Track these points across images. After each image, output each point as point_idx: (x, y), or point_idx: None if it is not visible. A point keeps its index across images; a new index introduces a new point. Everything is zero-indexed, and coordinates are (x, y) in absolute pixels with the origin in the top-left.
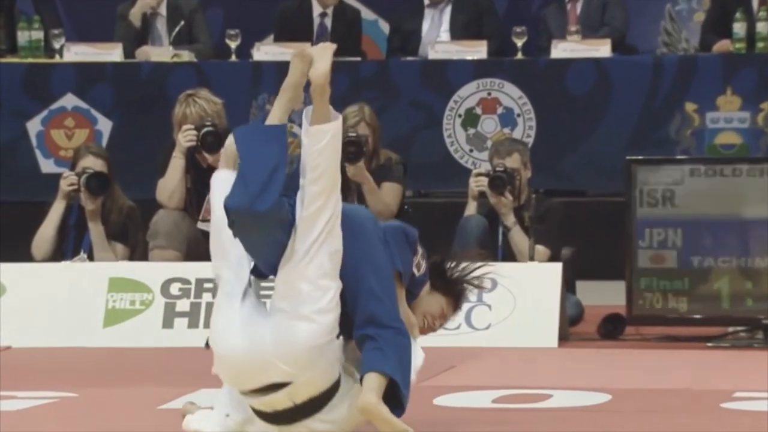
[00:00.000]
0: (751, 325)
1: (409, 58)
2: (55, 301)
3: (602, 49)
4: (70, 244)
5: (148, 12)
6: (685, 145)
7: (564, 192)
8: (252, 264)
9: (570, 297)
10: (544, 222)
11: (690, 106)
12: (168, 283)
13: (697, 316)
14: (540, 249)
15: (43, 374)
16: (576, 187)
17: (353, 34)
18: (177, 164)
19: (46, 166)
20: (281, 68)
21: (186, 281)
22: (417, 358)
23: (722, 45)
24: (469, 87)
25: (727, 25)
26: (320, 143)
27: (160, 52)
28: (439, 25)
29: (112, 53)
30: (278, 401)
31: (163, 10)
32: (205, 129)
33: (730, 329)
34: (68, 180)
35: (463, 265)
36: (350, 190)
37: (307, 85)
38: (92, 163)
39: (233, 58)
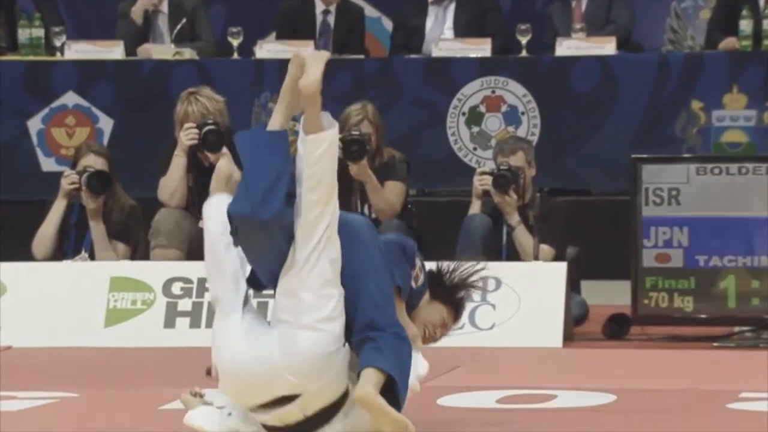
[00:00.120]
0: (758, 325)
1: (413, 56)
2: (56, 300)
3: (607, 46)
4: (71, 244)
5: (150, 9)
6: (690, 143)
7: (569, 191)
8: (248, 271)
9: (575, 296)
10: (548, 221)
11: (696, 104)
12: (170, 282)
13: (703, 316)
14: (544, 248)
15: (43, 374)
16: (581, 186)
17: (356, 31)
18: (178, 163)
19: (47, 164)
20: (283, 66)
21: (188, 281)
22: (421, 368)
23: (728, 42)
24: (473, 85)
25: (733, 23)
26: (317, 151)
27: (161, 50)
28: (443, 22)
29: (114, 51)
30: (289, 415)
31: (164, 7)
32: (207, 128)
33: (736, 329)
34: (69, 179)
35: (459, 269)
36: (353, 189)
37: None
38: (93, 162)
39: (235, 55)
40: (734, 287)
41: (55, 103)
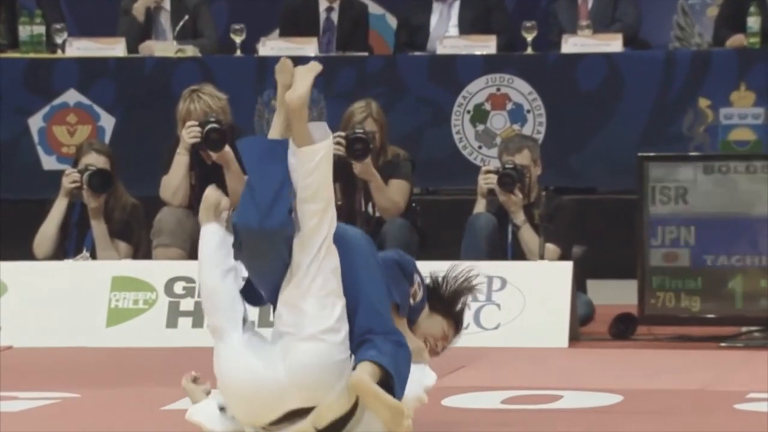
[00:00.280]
0: (765, 325)
1: (417, 53)
2: (57, 300)
3: (613, 43)
4: (72, 243)
5: (152, 6)
6: (698, 141)
7: (575, 189)
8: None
9: (581, 296)
10: (554, 220)
11: (703, 102)
12: (172, 281)
13: (710, 316)
14: (550, 247)
15: (44, 374)
16: (587, 185)
17: (360, 28)
18: (181, 161)
19: (48, 163)
20: None
21: (190, 280)
22: (428, 379)
23: (736, 40)
24: (478, 82)
25: (741, 20)
26: (308, 165)
27: (163, 47)
28: (447, 19)
29: (115, 48)
30: (301, 430)
31: (167, 4)
32: (209, 126)
33: (744, 329)
34: (70, 177)
35: (451, 277)
36: (357, 188)
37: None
38: (95, 160)
39: (238, 53)
40: (742, 287)
41: (57, 101)
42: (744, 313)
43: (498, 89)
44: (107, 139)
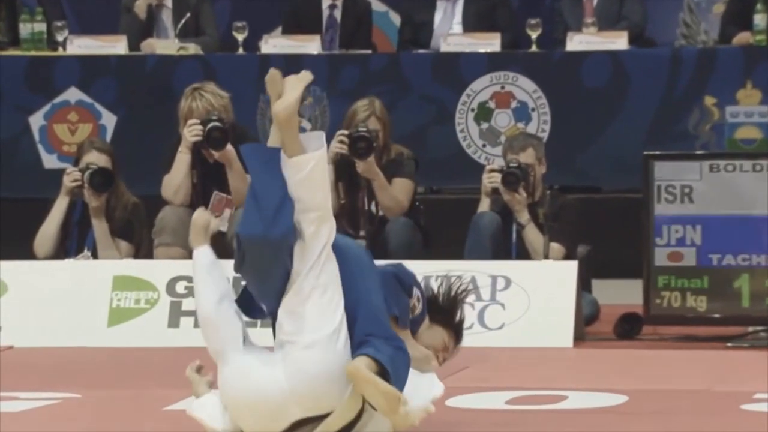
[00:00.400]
0: None
1: (421, 51)
2: (58, 299)
3: (619, 41)
4: (73, 242)
5: (154, 3)
6: (704, 139)
7: (579, 188)
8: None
9: (585, 296)
10: (558, 219)
11: (709, 100)
12: (174, 281)
13: (716, 316)
14: (555, 247)
15: (45, 375)
16: (592, 183)
17: (363, 26)
18: (183, 159)
19: (49, 161)
20: (289, 61)
21: (192, 279)
22: (436, 389)
23: (742, 37)
24: (482, 80)
25: (747, 17)
26: (298, 176)
27: (165, 45)
28: (451, 17)
29: (117, 46)
30: None
31: (168, 1)
32: (211, 124)
33: (750, 329)
34: (71, 176)
35: (445, 287)
36: (360, 187)
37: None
38: (96, 159)
39: (240, 51)
40: (748, 286)
41: (58, 99)
42: (750, 312)
43: (502, 87)
44: (108, 137)
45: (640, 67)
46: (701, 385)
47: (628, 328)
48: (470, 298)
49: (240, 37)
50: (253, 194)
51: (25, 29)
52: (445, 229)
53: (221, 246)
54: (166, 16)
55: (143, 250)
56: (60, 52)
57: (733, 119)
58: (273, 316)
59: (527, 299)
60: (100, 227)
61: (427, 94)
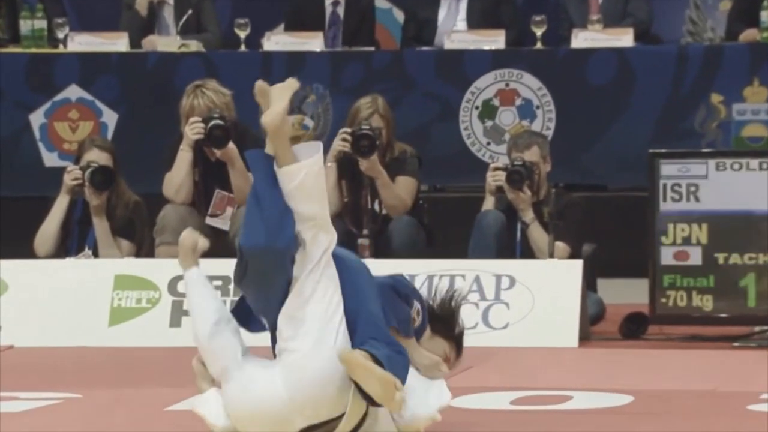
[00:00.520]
0: None
1: (425, 48)
2: (59, 299)
3: (624, 38)
4: (74, 241)
5: (155, 0)
6: (710, 137)
7: (585, 186)
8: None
9: (591, 295)
10: (563, 218)
11: (715, 98)
12: (175, 280)
13: (723, 315)
14: (560, 245)
15: (46, 374)
16: (597, 182)
17: (366, 23)
18: (184, 158)
19: (50, 159)
20: (292, 59)
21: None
22: (444, 397)
23: (749, 34)
24: (487, 78)
25: (754, 14)
26: (291, 184)
27: (167, 42)
28: (455, 13)
29: (118, 43)
30: None
31: None
32: (213, 122)
33: (757, 329)
34: (72, 174)
35: (441, 296)
36: (363, 185)
37: None
38: (97, 157)
39: (242, 48)
40: (755, 286)
41: (58, 97)
42: (757, 312)
43: (507, 85)
44: (109, 135)
45: (646, 64)
46: (707, 386)
47: (634, 327)
48: (473, 298)
49: (242, 34)
50: (255, 203)
51: (25, 26)
52: (449, 227)
53: (223, 245)
54: (168, 13)
55: (144, 249)
56: (60, 49)
57: (740, 117)
58: (273, 329)
59: (532, 298)
60: (101, 226)
61: (431, 91)
